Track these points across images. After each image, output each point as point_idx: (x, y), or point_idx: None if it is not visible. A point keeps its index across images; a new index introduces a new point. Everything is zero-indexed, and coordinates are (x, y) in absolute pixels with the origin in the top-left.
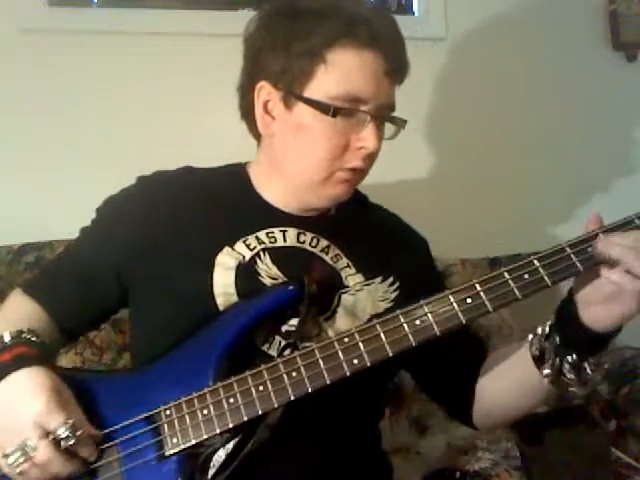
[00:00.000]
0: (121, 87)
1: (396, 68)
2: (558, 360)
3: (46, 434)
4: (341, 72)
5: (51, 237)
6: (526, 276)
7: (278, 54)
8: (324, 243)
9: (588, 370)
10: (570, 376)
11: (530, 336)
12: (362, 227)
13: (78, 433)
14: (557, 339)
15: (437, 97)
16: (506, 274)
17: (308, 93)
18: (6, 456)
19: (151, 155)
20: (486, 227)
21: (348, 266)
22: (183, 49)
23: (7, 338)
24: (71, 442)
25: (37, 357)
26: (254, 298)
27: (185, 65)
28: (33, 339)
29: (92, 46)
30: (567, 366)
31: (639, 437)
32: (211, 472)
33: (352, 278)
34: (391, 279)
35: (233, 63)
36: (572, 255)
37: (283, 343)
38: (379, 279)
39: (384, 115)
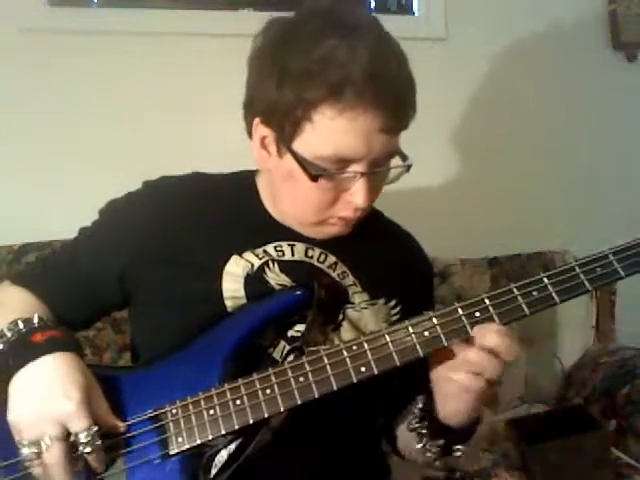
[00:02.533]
0: (121, 87)
1: (394, 123)
2: (426, 441)
3: (65, 436)
4: (328, 133)
5: (51, 237)
6: (535, 293)
7: (269, 94)
8: (332, 259)
9: (457, 453)
10: (435, 456)
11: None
12: (371, 246)
13: (97, 443)
14: (425, 424)
15: (437, 98)
16: (515, 290)
17: (297, 145)
18: (22, 446)
19: (151, 155)
20: (486, 227)
21: (354, 284)
22: (183, 49)
23: (36, 320)
24: (88, 450)
25: (69, 342)
26: (263, 301)
27: (185, 65)
28: (60, 326)
29: (92, 46)
30: (435, 449)
31: (639, 437)
32: (213, 472)
33: (358, 296)
34: (393, 302)
35: (233, 63)
36: (581, 274)
37: (287, 348)
38: (382, 300)
39: (381, 165)
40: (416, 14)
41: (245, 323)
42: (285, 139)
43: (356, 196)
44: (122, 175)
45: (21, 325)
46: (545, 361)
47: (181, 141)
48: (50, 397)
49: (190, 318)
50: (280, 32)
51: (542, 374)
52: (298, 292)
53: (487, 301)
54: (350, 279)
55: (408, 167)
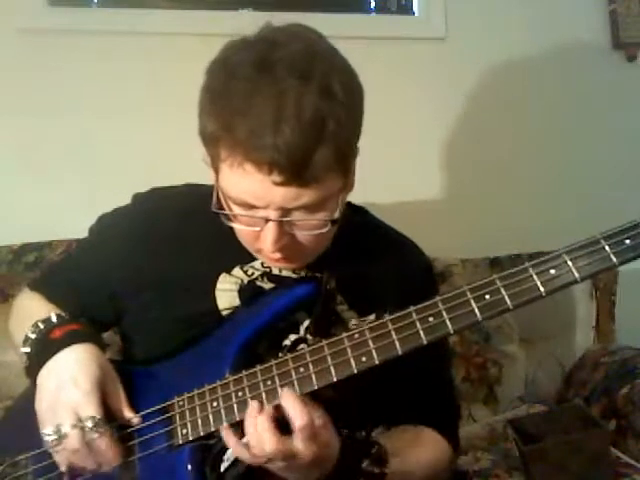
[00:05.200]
0: (121, 87)
1: (286, 179)
2: None
3: (78, 422)
4: (231, 176)
5: (51, 237)
6: (552, 271)
7: (200, 117)
8: None
9: None
10: None
11: None
12: (358, 261)
13: (101, 430)
14: None
15: (436, 97)
16: (531, 269)
17: (220, 176)
18: (45, 434)
19: (151, 155)
20: (486, 227)
21: (341, 303)
22: (183, 49)
23: (54, 318)
24: (94, 436)
25: (88, 333)
26: (274, 293)
27: (185, 65)
28: (79, 320)
29: (92, 46)
30: None
31: (639, 437)
32: (223, 466)
33: (347, 313)
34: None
35: None
36: (534, 275)
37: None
38: (372, 316)
39: (300, 214)
40: (416, 14)
41: (259, 314)
42: (213, 167)
43: (264, 241)
44: (122, 175)
45: (41, 325)
46: (545, 361)
47: (181, 141)
48: (62, 387)
49: (188, 334)
50: (220, 59)
51: (542, 374)
52: (308, 283)
53: (498, 282)
54: (338, 297)
55: (328, 222)
